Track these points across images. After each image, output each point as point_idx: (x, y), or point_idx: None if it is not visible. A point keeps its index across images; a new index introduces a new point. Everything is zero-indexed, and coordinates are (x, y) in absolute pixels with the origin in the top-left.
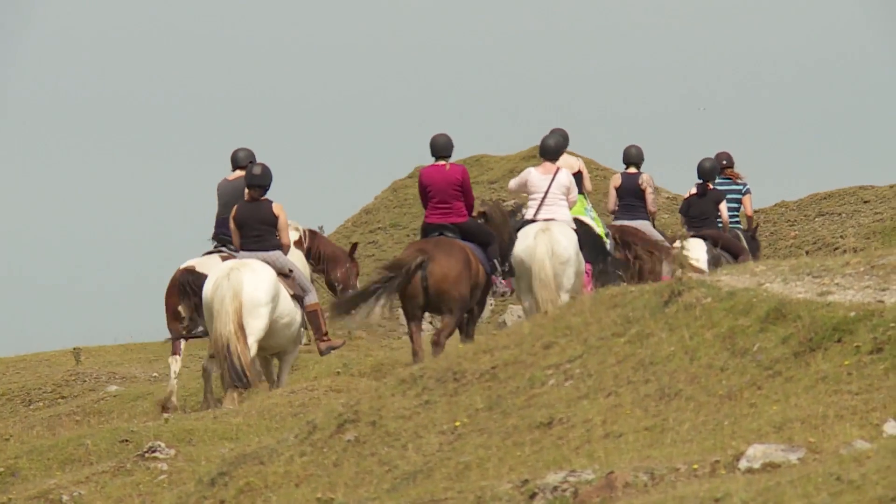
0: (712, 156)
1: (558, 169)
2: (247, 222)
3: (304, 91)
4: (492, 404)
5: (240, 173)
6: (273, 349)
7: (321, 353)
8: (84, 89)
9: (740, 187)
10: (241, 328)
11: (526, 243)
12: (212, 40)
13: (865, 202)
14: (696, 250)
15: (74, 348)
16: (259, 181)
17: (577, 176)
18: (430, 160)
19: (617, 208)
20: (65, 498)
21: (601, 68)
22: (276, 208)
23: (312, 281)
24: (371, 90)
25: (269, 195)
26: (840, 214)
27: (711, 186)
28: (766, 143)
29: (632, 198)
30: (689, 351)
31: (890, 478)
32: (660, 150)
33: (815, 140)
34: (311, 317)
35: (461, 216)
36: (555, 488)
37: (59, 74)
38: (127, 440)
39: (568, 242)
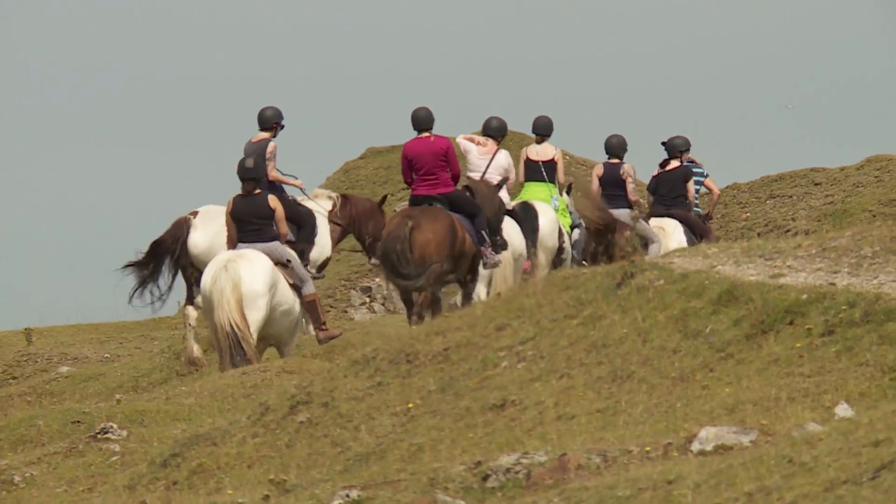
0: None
1: (497, 150)
2: (243, 216)
3: (255, 72)
4: (444, 386)
5: (264, 135)
6: (272, 338)
7: (319, 342)
8: (43, 69)
9: (702, 170)
10: (242, 316)
11: None
12: (161, 21)
13: (816, 185)
14: (675, 232)
15: (26, 329)
16: (252, 174)
17: (553, 164)
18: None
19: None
20: (16, 478)
21: (555, 51)
22: (272, 201)
23: (322, 267)
24: (322, 71)
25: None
26: (791, 197)
27: (676, 164)
28: (717, 125)
29: (613, 187)
30: (641, 333)
31: (842, 460)
32: (609, 131)
33: (767, 122)
34: (310, 307)
35: (448, 186)
36: (507, 470)
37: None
38: (79, 421)
39: (519, 237)
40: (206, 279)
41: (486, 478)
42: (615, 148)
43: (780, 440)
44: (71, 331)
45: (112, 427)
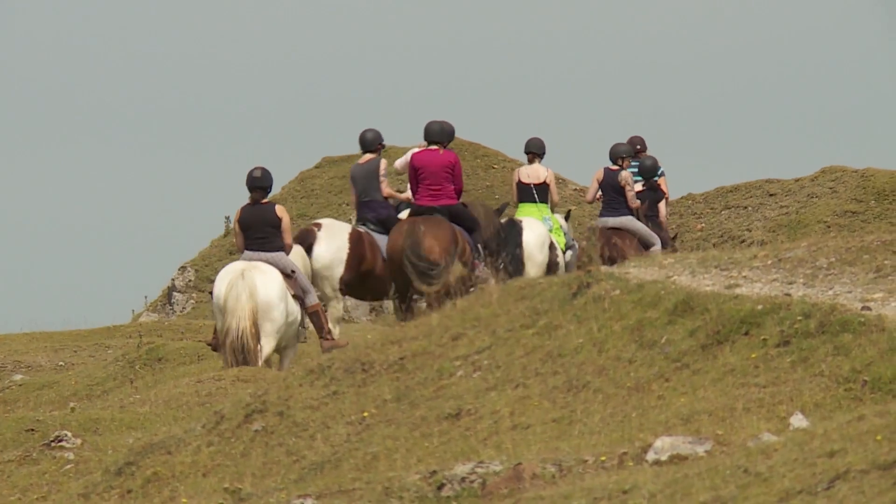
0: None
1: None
2: (251, 224)
3: (212, 85)
4: (400, 395)
5: (370, 156)
6: (277, 347)
7: (324, 351)
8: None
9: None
10: (255, 325)
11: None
12: (115, 45)
13: (771, 195)
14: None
15: None
16: (260, 183)
17: (545, 186)
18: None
19: (601, 203)
20: None
21: (507, 65)
22: (279, 210)
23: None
24: (277, 82)
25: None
26: (746, 207)
27: (641, 189)
28: (672, 136)
29: (614, 193)
30: (597, 343)
31: (797, 470)
32: (567, 142)
33: (722, 133)
34: (314, 317)
35: (451, 199)
36: (463, 479)
37: None
38: (33, 429)
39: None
40: (221, 286)
41: (441, 487)
42: (622, 154)
43: (735, 450)
44: (24, 339)
45: (66, 435)
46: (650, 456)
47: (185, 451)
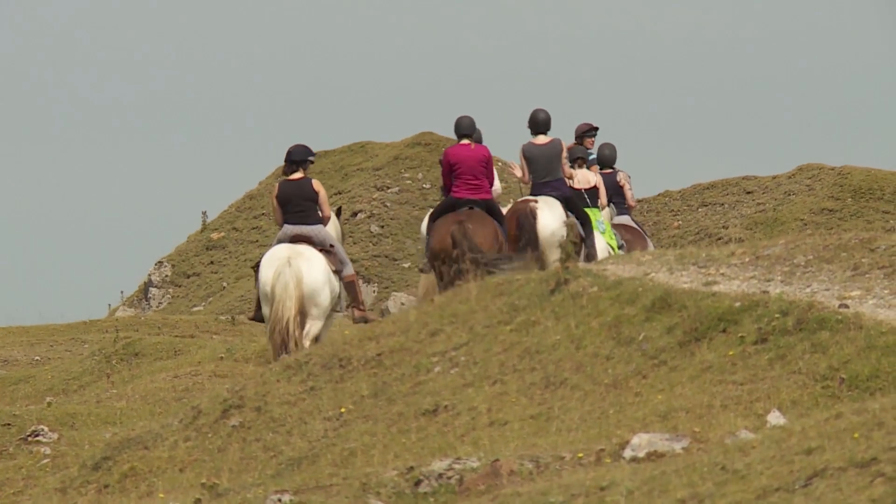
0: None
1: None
2: (290, 199)
3: (188, 81)
4: (377, 391)
5: (545, 138)
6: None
7: (354, 321)
8: None
9: (592, 152)
10: (299, 314)
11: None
12: (103, 39)
13: (748, 193)
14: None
15: None
16: (293, 157)
17: (595, 190)
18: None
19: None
20: None
21: (480, 60)
22: (315, 185)
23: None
24: (254, 77)
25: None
26: (723, 205)
27: (608, 171)
28: (650, 132)
29: (611, 194)
30: (574, 339)
31: (774, 468)
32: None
33: (699, 130)
34: (349, 287)
35: (488, 193)
36: (440, 475)
37: None
38: (9, 424)
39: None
40: (268, 273)
41: (418, 483)
42: (608, 159)
43: (712, 447)
44: (0, 333)
45: (43, 430)
46: (627, 453)
47: (162, 446)
